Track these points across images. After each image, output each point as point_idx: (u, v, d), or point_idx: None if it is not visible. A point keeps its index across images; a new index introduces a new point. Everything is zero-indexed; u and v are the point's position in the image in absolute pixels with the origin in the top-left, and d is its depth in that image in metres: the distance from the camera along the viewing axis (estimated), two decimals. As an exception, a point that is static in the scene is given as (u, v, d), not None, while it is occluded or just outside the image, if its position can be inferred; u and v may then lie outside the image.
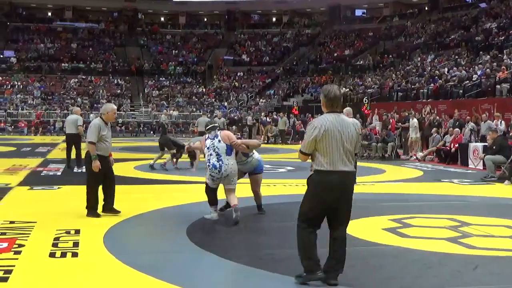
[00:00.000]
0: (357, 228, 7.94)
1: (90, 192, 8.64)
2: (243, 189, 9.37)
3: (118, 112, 44.63)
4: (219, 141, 8.24)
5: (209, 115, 33.23)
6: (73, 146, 15.79)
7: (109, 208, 8.75)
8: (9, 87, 48.62)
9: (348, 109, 14.22)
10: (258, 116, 39.65)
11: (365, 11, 59.74)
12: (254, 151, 8.90)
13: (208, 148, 8.32)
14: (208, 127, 8.51)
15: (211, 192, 8.42)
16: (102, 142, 8.61)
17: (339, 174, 5.26)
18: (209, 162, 8.24)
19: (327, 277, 5.35)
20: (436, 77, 30.78)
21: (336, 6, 59.09)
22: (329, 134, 5.24)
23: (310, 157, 5.40)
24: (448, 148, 18.98)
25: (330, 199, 5.31)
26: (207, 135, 8.49)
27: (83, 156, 11.05)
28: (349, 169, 5.31)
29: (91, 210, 8.58)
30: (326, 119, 5.34)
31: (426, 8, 52.80)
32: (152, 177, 14.33)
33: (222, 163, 8.17)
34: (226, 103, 48.20)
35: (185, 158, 16.65)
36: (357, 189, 12.47)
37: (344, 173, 5.27)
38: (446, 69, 31.96)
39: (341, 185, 5.29)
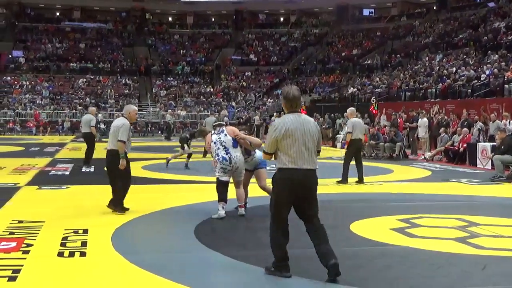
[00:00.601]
0: (365, 228, 7.93)
1: (116, 189, 9.02)
2: (251, 188, 9.37)
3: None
4: (225, 135, 8.58)
5: (217, 115, 33.31)
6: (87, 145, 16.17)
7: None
8: (17, 87, 48.80)
9: (351, 109, 14.20)
10: (265, 116, 39.63)
11: (373, 10, 59.58)
12: (256, 151, 9.00)
13: (215, 142, 8.63)
14: (215, 124, 8.97)
15: (223, 187, 8.61)
16: (128, 141, 9.16)
17: (302, 172, 5.45)
18: (218, 156, 8.55)
19: (332, 272, 5.41)
20: (444, 77, 30.68)
21: (344, 5, 58.99)
22: (290, 133, 5.45)
23: (273, 156, 5.62)
24: (457, 148, 18.92)
25: (295, 196, 5.48)
26: (212, 131, 8.80)
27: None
28: (311, 166, 5.51)
29: (118, 206, 8.86)
30: (287, 119, 5.53)
31: (434, 8, 52.61)
32: (160, 176, 14.37)
33: (231, 155, 8.51)
34: (233, 103, 48.19)
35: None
36: (365, 189, 12.52)
37: (306, 171, 5.47)
38: (454, 69, 31.84)
39: (304, 182, 5.48)
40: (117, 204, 8.88)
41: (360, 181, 13.19)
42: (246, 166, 8.98)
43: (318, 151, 5.66)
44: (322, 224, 5.71)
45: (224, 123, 9.08)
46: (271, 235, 5.65)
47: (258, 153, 9.08)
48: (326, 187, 12.60)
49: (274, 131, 5.51)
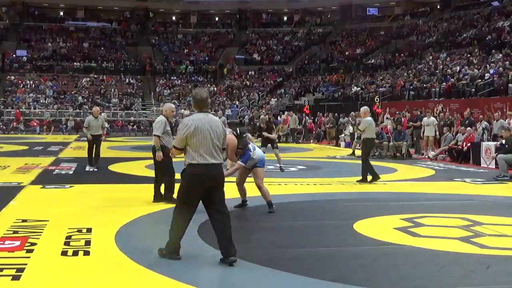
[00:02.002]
0: (368, 227, 7.93)
1: (169, 182, 9.73)
2: (252, 188, 9.36)
3: (130, 111, 44.97)
4: None
5: (218, 114, 33.31)
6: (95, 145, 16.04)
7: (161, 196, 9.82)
8: (21, 86, 48.87)
9: (365, 108, 14.12)
10: (270, 116, 39.55)
11: (376, 9, 59.50)
12: (257, 150, 9.12)
13: None
14: (239, 128, 9.22)
15: None
16: (167, 136, 9.80)
17: (209, 167, 5.94)
18: None
19: (227, 259, 5.89)
20: (448, 76, 30.64)
21: (347, 5, 58.93)
22: (199, 131, 5.92)
23: (183, 152, 6.07)
24: (460, 147, 18.88)
25: (203, 189, 5.96)
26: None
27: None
28: (217, 161, 6.00)
29: (171, 199, 9.27)
30: (196, 118, 6.02)
31: (438, 7, 52.52)
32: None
33: None
34: (237, 102, 48.20)
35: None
36: (368, 188, 12.51)
37: (213, 165, 5.97)
38: (458, 68, 31.80)
39: (211, 176, 5.98)
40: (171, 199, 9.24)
41: (364, 180, 13.15)
42: (245, 165, 9.01)
43: (224, 148, 6.20)
44: (228, 213, 6.15)
45: (239, 131, 9.10)
46: (175, 224, 6.13)
47: (259, 153, 9.10)
48: (330, 186, 12.60)
49: (184, 128, 5.96)
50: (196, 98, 6.14)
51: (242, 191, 9.32)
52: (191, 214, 6.14)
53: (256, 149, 9.12)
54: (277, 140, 17.51)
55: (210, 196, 6.02)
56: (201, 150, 5.91)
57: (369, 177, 13.12)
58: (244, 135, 8.97)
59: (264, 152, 15.23)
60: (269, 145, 15.76)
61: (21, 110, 42.99)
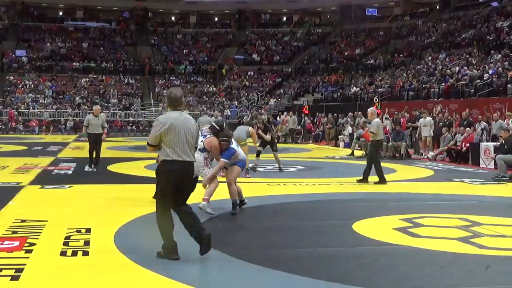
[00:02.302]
0: (367, 227, 7.93)
1: None
2: (251, 189, 9.38)
3: (129, 112, 44.97)
4: (202, 141, 8.69)
5: (220, 114, 33.29)
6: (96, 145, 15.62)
7: None
8: (20, 86, 48.85)
9: (372, 109, 14.09)
10: (269, 116, 39.51)
11: (376, 10, 59.50)
12: (239, 150, 9.03)
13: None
14: (209, 126, 9.05)
15: None
16: None
17: (182, 163, 6.08)
18: None
19: (204, 248, 6.14)
20: (447, 76, 30.65)
21: (347, 5, 58.93)
22: (174, 129, 6.06)
23: (156, 148, 6.20)
24: (459, 148, 18.89)
25: (177, 184, 6.08)
26: (202, 132, 8.93)
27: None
28: (190, 159, 6.16)
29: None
30: (171, 116, 6.16)
31: (437, 7, 52.53)
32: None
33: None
34: (236, 103, 48.20)
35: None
36: (367, 188, 12.50)
37: (186, 163, 6.11)
38: (457, 68, 31.81)
39: (184, 172, 6.11)
40: None
41: (364, 180, 13.12)
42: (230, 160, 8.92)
43: (196, 147, 6.43)
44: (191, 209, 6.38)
45: (218, 128, 8.88)
46: (159, 223, 6.20)
47: (242, 154, 9.08)
48: (328, 186, 12.61)
49: (159, 125, 6.09)
50: (171, 97, 6.31)
51: (234, 191, 9.02)
52: (170, 211, 6.23)
53: (240, 150, 9.05)
54: (276, 141, 17.47)
55: (180, 194, 6.18)
56: (176, 147, 6.06)
57: (372, 179, 13.09)
58: (224, 127, 8.87)
59: (260, 153, 15.26)
60: (268, 146, 15.74)
61: (20, 110, 42.99)
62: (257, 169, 15.39)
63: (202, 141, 8.71)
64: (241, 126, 14.56)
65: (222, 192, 9.27)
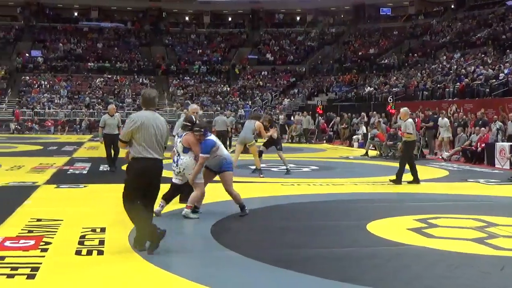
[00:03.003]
0: (381, 228, 7.91)
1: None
2: (265, 189, 9.38)
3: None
4: (180, 141, 8.66)
5: (233, 114, 33.33)
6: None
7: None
8: (36, 86, 49.20)
9: (405, 109, 13.97)
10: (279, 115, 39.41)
11: (390, 9, 59.28)
12: (223, 151, 8.75)
13: (174, 146, 8.85)
14: (182, 126, 8.90)
15: (174, 190, 8.83)
16: None
17: (151, 161, 6.37)
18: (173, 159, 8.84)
19: (140, 248, 6.35)
20: (462, 76, 30.47)
21: (360, 4, 58.78)
22: (145, 127, 6.33)
23: (127, 144, 6.48)
24: (474, 148, 18.78)
25: (145, 181, 6.39)
26: (177, 133, 9.03)
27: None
28: (160, 156, 6.45)
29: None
30: (143, 115, 6.45)
31: (452, 6, 52.24)
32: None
33: (179, 158, 8.63)
34: (250, 102, 48.21)
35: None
36: (381, 189, 12.47)
37: (155, 160, 6.40)
38: (472, 68, 31.62)
39: (153, 169, 6.41)
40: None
41: (416, 180, 13.04)
42: (209, 165, 8.65)
43: (165, 147, 6.60)
44: (153, 210, 6.77)
45: (189, 125, 8.63)
46: (131, 217, 6.43)
47: (225, 151, 8.83)
48: (342, 186, 12.59)
49: (131, 122, 6.40)
50: (145, 97, 6.61)
51: (237, 195, 8.74)
52: (137, 203, 6.38)
53: (222, 147, 8.76)
54: (290, 141, 17.31)
55: (147, 190, 6.43)
56: (146, 145, 6.33)
57: (395, 178, 13.01)
58: (194, 121, 8.67)
59: (263, 153, 14.81)
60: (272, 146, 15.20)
61: (35, 110, 43.31)
62: (271, 169, 15.38)
63: (180, 141, 8.64)
64: (246, 123, 14.37)
65: (223, 194, 9.13)
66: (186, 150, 8.57)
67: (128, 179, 6.51)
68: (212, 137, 8.69)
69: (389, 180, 12.99)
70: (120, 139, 6.64)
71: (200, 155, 8.36)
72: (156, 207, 8.39)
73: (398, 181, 12.88)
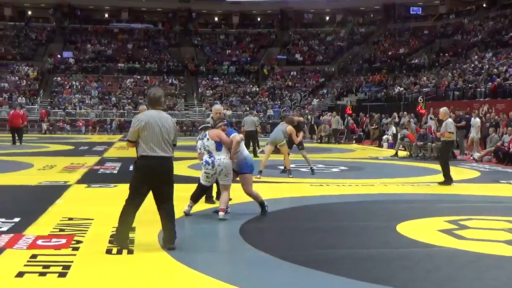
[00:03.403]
0: (412, 229, 7.85)
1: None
2: (294, 189, 9.37)
3: (172, 112, 45.41)
4: (208, 139, 8.52)
5: (260, 114, 33.35)
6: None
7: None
8: (67, 87, 49.84)
9: (445, 109, 13.88)
10: (309, 115, 39.33)
11: (420, 9, 58.77)
12: (245, 152, 8.82)
13: (200, 148, 8.66)
14: (200, 128, 9.01)
15: (201, 190, 8.70)
16: None
17: (158, 159, 6.45)
18: (203, 160, 8.56)
19: (168, 246, 6.44)
20: (494, 76, 30.07)
21: (390, 4, 58.38)
22: (150, 126, 6.43)
23: (135, 144, 6.55)
24: (507, 148, 18.51)
25: (152, 179, 6.48)
26: (199, 136, 8.86)
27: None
28: (167, 154, 6.51)
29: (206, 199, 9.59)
30: (149, 114, 6.56)
31: (484, 5, 51.58)
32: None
33: (214, 158, 8.43)
34: (279, 103, 48.19)
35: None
36: (411, 189, 12.36)
37: (162, 158, 6.48)
38: (504, 68, 31.18)
39: (160, 168, 6.48)
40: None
41: (448, 181, 12.94)
42: (233, 166, 8.68)
43: (174, 144, 6.66)
44: (173, 208, 6.70)
45: (209, 125, 8.85)
46: (124, 214, 6.56)
47: (246, 152, 8.90)
48: (372, 187, 12.51)
49: (136, 122, 6.51)
50: (150, 97, 6.71)
51: (257, 195, 8.80)
52: (139, 204, 6.59)
53: (243, 147, 8.84)
54: (319, 141, 17.23)
55: (159, 189, 6.53)
56: (151, 143, 6.41)
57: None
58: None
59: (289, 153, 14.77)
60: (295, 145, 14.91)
61: (67, 110, 43.90)
62: (300, 169, 15.35)
63: (208, 139, 8.51)
64: (278, 125, 14.48)
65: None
66: (219, 147, 8.45)
67: (134, 178, 6.66)
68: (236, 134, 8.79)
69: (438, 183, 12.88)
70: (127, 139, 6.72)
71: (233, 135, 8.55)
72: (185, 207, 8.47)
73: (448, 181, 12.78)
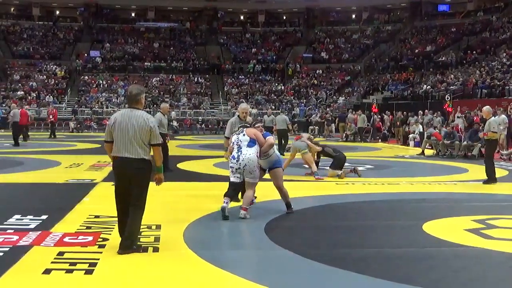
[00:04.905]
0: (438, 228, 7.77)
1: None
2: (320, 187, 9.34)
3: (198, 110, 45.61)
4: (244, 135, 8.55)
5: (287, 113, 33.30)
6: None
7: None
8: (94, 86, 50.32)
9: (488, 108, 13.73)
10: (326, 113, 39.05)
11: (447, 6, 58.18)
12: (275, 151, 8.95)
13: (233, 143, 8.64)
14: (240, 125, 8.98)
15: (232, 188, 8.56)
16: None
17: (122, 160, 6.21)
18: (231, 155, 8.59)
19: (119, 248, 6.15)
20: (523, 73, 29.68)
21: (417, 1, 57.88)
22: (117, 124, 6.22)
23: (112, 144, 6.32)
24: (536, 147, 18.23)
25: (122, 180, 6.30)
26: (235, 132, 8.92)
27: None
28: (131, 155, 6.19)
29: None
30: (119, 113, 6.36)
31: (513, 2, 50.89)
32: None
33: (241, 153, 8.41)
34: (304, 101, 48.08)
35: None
36: (438, 188, 12.25)
37: (127, 159, 6.19)
38: (534, 65, 30.76)
39: (124, 169, 6.23)
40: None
41: (492, 180, 12.84)
42: (264, 165, 8.85)
43: (152, 144, 6.27)
44: (137, 213, 6.29)
45: (248, 125, 9.01)
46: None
47: (277, 152, 8.99)
48: (398, 186, 12.43)
49: (109, 122, 6.37)
50: (127, 94, 6.57)
51: (286, 192, 8.83)
52: (120, 206, 6.38)
53: (274, 149, 8.97)
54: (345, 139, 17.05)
55: (129, 190, 6.26)
56: (118, 143, 6.23)
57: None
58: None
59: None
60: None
61: (94, 109, 44.34)
62: (325, 168, 15.28)
63: (244, 134, 8.60)
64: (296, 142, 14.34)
65: (275, 192, 9.13)
66: (251, 143, 8.46)
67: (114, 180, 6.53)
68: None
69: (482, 182, 12.81)
70: (105, 140, 6.48)
71: (268, 137, 8.73)
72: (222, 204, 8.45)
73: (490, 180, 12.73)
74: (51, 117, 31.91)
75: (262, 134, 8.78)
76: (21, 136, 24.87)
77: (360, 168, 14.45)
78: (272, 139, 8.79)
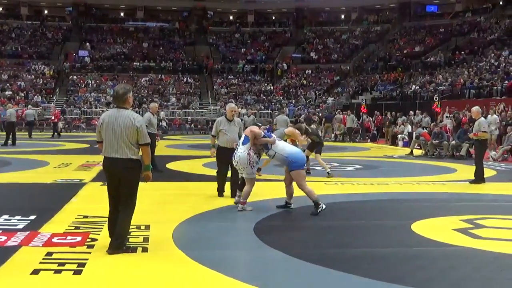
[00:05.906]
0: (427, 228, 7.80)
1: (218, 178, 10.18)
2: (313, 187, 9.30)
3: (187, 110, 45.54)
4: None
5: (275, 113, 33.32)
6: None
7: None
8: (83, 86, 50.11)
9: (477, 108, 13.78)
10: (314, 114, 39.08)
11: (436, 7, 58.43)
12: (283, 146, 8.93)
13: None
14: (253, 125, 9.49)
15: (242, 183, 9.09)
16: (222, 135, 10.00)
17: (110, 160, 6.26)
18: None
19: (109, 247, 6.15)
20: (511, 74, 29.83)
21: (406, 2, 58.09)
22: (105, 125, 6.27)
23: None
24: (523, 147, 18.34)
25: (111, 180, 6.33)
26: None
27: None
28: (118, 155, 6.21)
29: (219, 194, 10.10)
30: (107, 114, 6.39)
31: (500, 3, 51.15)
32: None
33: (237, 151, 8.87)
34: (294, 101, 48.12)
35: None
36: (427, 188, 12.30)
37: (113, 159, 6.23)
38: (521, 66, 30.95)
39: (111, 169, 6.27)
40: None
41: (481, 180, 12.95)
42: (277, 162, 9.23)
43: (140, 144, 6.26)
44: (127, 214, 6.27)
45: (259, 124, 9.58)
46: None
47: (287, 150, 8.91)
48: (387, 186, 12.47)
49: (98, 122, 6.44)
50: (113, 94, 6.54)
51: (311, 191, 8.83)
52: (112, 205, 6.38)
53: (282, 145, 8.93)
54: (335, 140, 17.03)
55: (118, 190, 6.29)
56: (106, 143, 6.29)
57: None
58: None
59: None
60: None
61: (82, 109, 44.15)
62: (315, 168, 15.30)
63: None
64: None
65: (266, 192, 9.20)
66: (245, 141, 8.81)
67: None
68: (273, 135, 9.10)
69: (469, 182, 12.91)
70: (96, 140, 6.55)
71: (272, 136, 8.91)
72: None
73: (478, 180, 12.85)
74: (53, 117, 33.47)
75: (264, 133, 8.84)
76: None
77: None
78: (256, 129, 8.86)
